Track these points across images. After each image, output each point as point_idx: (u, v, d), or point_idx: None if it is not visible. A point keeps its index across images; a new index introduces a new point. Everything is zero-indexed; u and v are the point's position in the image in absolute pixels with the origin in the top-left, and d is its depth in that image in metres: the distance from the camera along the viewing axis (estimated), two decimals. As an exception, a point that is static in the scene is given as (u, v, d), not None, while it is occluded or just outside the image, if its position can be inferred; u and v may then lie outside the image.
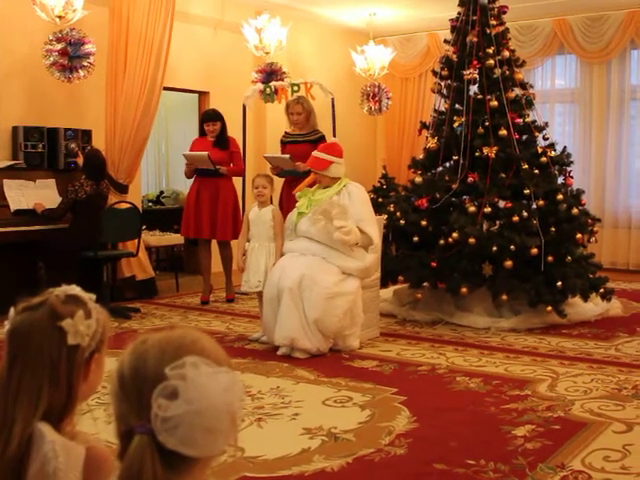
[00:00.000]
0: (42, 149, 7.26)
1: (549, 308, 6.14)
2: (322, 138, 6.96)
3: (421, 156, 6.97)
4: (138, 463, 1.20)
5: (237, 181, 7.87)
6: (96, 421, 1.81)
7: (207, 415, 1.21)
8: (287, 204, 6.85)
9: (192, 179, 7.61)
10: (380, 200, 10.38)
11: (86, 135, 7.58)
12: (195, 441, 1.20)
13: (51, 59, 6.98)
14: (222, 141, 7.50)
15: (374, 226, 5.69)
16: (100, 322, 1.51)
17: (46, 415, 1.43)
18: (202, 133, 7.64)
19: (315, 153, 5.76)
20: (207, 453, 1.24)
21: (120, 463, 1.24)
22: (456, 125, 6.66)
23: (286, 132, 7.29)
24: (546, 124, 6.89)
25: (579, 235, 6.39)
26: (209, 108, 8.39)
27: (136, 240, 7.25)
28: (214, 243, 7.74)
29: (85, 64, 7.11)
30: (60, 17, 6.92)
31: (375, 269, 5.83)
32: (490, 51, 6.61)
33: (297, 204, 5.82)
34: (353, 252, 5.53)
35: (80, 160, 7.19)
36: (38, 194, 7.04)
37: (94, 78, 7.34)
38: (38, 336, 1.44)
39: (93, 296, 1.54)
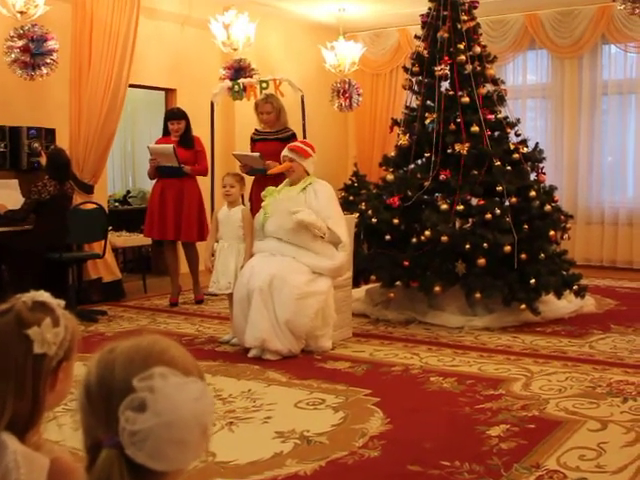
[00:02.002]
0: (4, 148, 7.19)
1: (523, 306, 6.18)
2: (293, 136, 6.94)
3: (392, 153, 6.99)
4: (106, 477, 1.19)
5: (205, 181, 7.83)
6: (62, 428, 1.79)
7: (176, 428, 1.19)
8: (257, 203, 6.84)
9: (155, 180, 7.58)
10: (351, 198, 10.41)
11: (50, 134, 7.51)
12: (164, 454, 1.19)
13: (12, 56, 6.91)
14: (186, 140, 7.48)
15: (342, 224, 5.69)
16: (69, 330, 1.48)
17: (10, 425, 1.40)
18: (166, 132, 7.61)
19: (297, 144, 5.81)
20: (177, 466, 1.23)
21: (88, 476, 1.23)
22: (428, 122, 6.69)
23: (256, 130, 7.27)
24: (518, 120, 6.93)
25: (552, 232, 6.43)
26: (173, 107, 8.36)
27: (102, 241, 7.19)
28: (179, 244, 7.71)
29: (48, 61, 7.04)
30: (21, 13, 6.85)
31: (346, 268, 5.83)
32: (461, 47, 6.65)
33: (262, 204, 5.82)
34: (323, 248, 5.53)
35: (43, 160, 7.12)
36: (0, 195, 6.96)
37: (57, 75, 7.27)
38: (3, 344, 1.42)
39: (62, 302, 1.51)
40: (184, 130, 7.48)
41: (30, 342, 1.42)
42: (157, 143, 7.60)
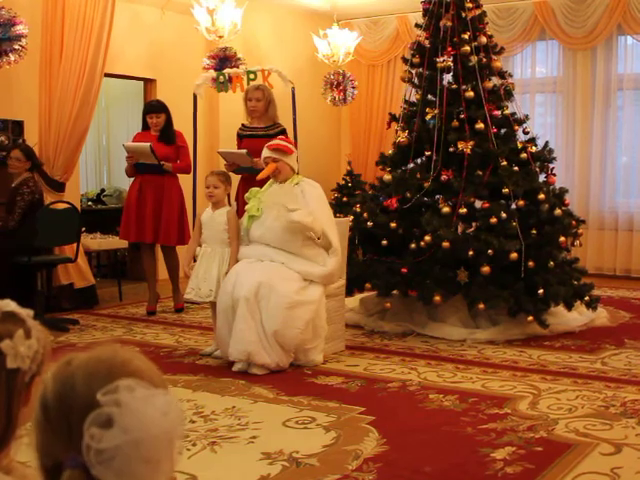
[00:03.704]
0: (-33, 141, 7.18)
1: (530, 318, 6.19)
2: (283, 132, 6.94)
3: (390, 151, 7.00)
4: None
5: (187, 180, 7.84)
6: (29, 447, 1.78)
7: (146, 444, 1.19)
8: (244, 204, 6.85)
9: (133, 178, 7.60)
10: (345, 199, 10.45)
11: (17, 126, 7.51)
12: (133, 473, 1.19)
13: (-23, 42, 6.90)
14: (167, 135, 7.49)
15: (332, 227, 5.69)
16: (41, 342, 1.48)
17: None
18: (145, 126, 7.61)
19: (277, 141, 5.78)
20: None
21: None
22: (428, 118, 6.70)
23: (243, 125, 7.26)
24: (526, 117, 6.96)
25: (562, 238, 6.45)
26: (152, 99, 8.36)
27: (74, 244, 7.18)
28: (158, 248, 7.71)
29: (16, 47, 7.02)
30: (-12, -5, 6.85)
31: (339, 275, 5.84)
32: (466, 37, 6.67)
33: (246, 207, 5.81)
34: (314, 253, 5.53)
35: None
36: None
37: (26, 63, 7.25)
38: None
39: (31, 312, 1.51)
40: (164, 124, 7.48)
41: (3, 356, 1.42)
42: (135, 139, 7.61)
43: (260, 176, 5.81)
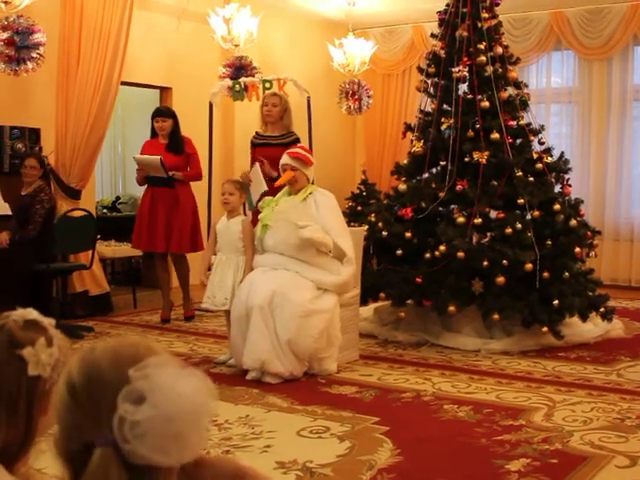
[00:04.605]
0: (-16, 149, 7.22)
1: (545, 329, 6.17)
2: (297, 141, 6.90)
3: (405, 161, 7.01)
4: (104, 477, 1.18)
5: (202, 189, 7.84)
6: (45, 454, 1.78)
7: (176, 419, 1.20)
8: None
9: (145, 186, 7.58)
10: (359, 209, 10.44)
11: (34, 134, 7.54)
12: (164, 448, 1.20)
13: (-4, 49, 6.95)
14: (175, 143, 7.47)
15: (346, 237, 5.68)
16: (62, 350, 1.49)
17: (0, 454, 1.41)
18: (153, 133, 7.60)
19: (297, 150, 5.76)
20: (175, 461, 1.24)
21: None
22: (444, 127, 6.70)
23: (257, 133, 7.23)
24: (542, 127, 6.95)
25: (577, 249, 6.44)
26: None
27: (90, 251, 7.20)
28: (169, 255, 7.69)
29: (34, 55, 7.07)
30: (6, 3, 6.88)
31: (353, 284, 5.83)
32: (481, 47, 6.67)
33: (260, 216, 5.82)
34: (328, 262, 5.53)
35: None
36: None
37: (44, 71, 7.30)
38: None
39: (52, 321, 1.52)
40: (172, 131, 7.46)
41: (24, 363, 1.43)
42: (145, 147, 7.59)
43: (278, 183, 5.83)
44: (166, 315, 7.57)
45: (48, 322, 1.51)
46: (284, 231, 5.53)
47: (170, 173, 7.26)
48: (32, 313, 1.50)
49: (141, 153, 7.53)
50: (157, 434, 1.19)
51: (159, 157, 7.18)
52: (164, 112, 7.57)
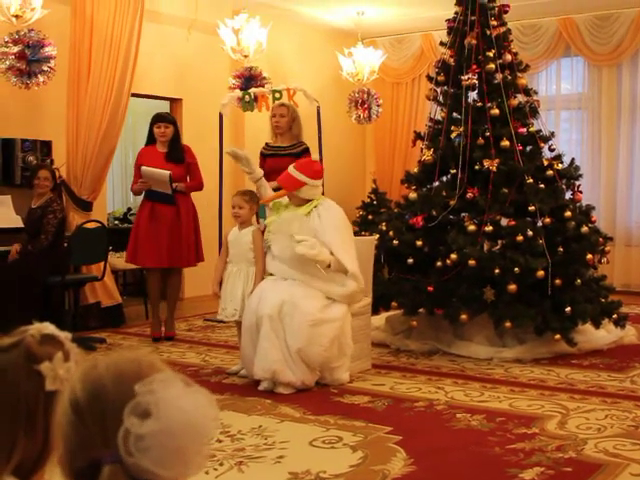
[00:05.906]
0: (-4, 162, 7.25)
1: (557, 336, 6.15)
2: (306, 150, 6.89)
3: (415, 169, 7.00)
4: None
5: (214, 201, 7.83)
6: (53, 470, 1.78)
7: (181, 434, 1.21)
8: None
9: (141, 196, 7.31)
10: (370, 217, 10.43)
11: (45, 146, 7.57)
12: (168, 463, 1.21)
13: (7, 63, 6.98)
14: (175, 153, 7.15)
15: (348, 251, 5.54)
16: (79, 365, 1.49)
17: (16, 469, 1.40)
18: (149, 140, 7.28)
19: (290, 170, 5.64)
20: (177, 476, 1.24)
21: None
22: (454, 135, 6.70)
23: (267, 144, 7.21)
24: (552, 134, 6.94)
25: (589, 255, 6.42)
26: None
27: (101, 263, 7.21)
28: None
29: (45, 69, 7.11)
30: (17, 17, 6.93)
31: (360, 297, 5.76)
32: (490, 54, 6.66)
33: (266, 221, 5.84)
34: (332, 274, 5.49)
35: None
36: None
37: (55, 84, 7.34)
38: (12, 382, 1.42)
39: (69, 335, 1.52)
40: (172, 139, 7.16)
41: (42, 378, 1.43)
42: (142, 153, 7.29)
43: (263, 201, 5.85)
44: (157, 333, 7.23)
45: (65, 336, 1.51)
46: (283, 243, 5.52)
47: (173, 185, 7.01)
48: (49, 327, 1.50)
49: (138, 161, 7.23)
50: (161, 448, 1.20)
51: (169, 173, 6.93)
52: (166, 118, 7.28)
